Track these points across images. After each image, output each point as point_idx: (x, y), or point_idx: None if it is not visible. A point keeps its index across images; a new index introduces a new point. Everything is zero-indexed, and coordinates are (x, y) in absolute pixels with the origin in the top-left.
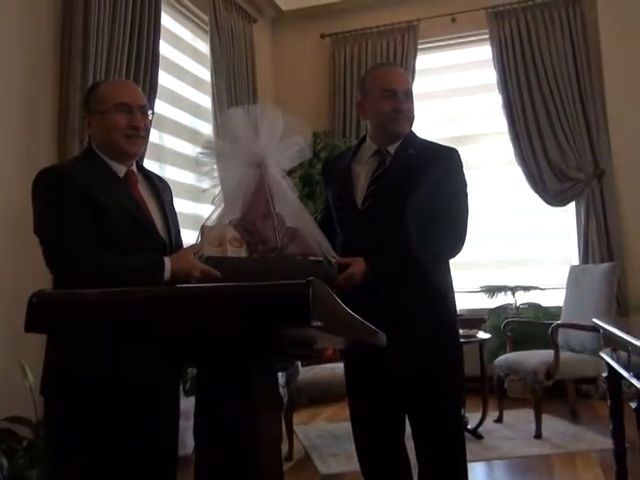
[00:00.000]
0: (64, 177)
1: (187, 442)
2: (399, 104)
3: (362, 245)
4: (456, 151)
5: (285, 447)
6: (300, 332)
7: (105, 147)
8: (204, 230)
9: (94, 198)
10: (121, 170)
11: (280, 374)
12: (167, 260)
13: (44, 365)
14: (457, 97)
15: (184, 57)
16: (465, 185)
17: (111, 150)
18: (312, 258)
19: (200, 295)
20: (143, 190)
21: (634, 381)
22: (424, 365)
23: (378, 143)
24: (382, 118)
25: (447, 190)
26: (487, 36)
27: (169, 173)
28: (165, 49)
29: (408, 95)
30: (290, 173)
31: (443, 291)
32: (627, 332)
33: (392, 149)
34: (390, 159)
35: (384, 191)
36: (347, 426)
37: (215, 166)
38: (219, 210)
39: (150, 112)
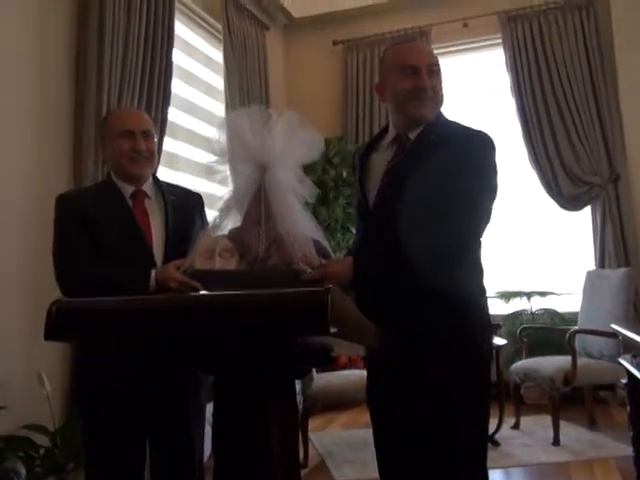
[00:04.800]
0: (64, 200)
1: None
2: (421, 82)
3: (368, 246)
4: (484, 134)
5: (300, 454)
6: (317, 340)
7: (115, 170)
8: (198, 241)
9: (88, 216)
10: (128, 190)
11: (296, 381)
12: (153, 272)
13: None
14: (470, 102)
15: (197, 65)
16: (484, 173)
17: (120, 172)
18: (295, 268)
19: (216, 303)
20: (150, 206)
21: None
22: (428, 374)
23: (399, 128)
24: (401, 98)
25: (459, 172)
26: (500, 40)
27: (183, 181)
28: (178, 57)
29: (433, 71)
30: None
31: (460, 297)
32: None
33: (413, 135)
34: (409, 146)
35: (396, 185)
36: (362, 433)
37: (228, 173)
38: (225, 217)
39: (156, 135)
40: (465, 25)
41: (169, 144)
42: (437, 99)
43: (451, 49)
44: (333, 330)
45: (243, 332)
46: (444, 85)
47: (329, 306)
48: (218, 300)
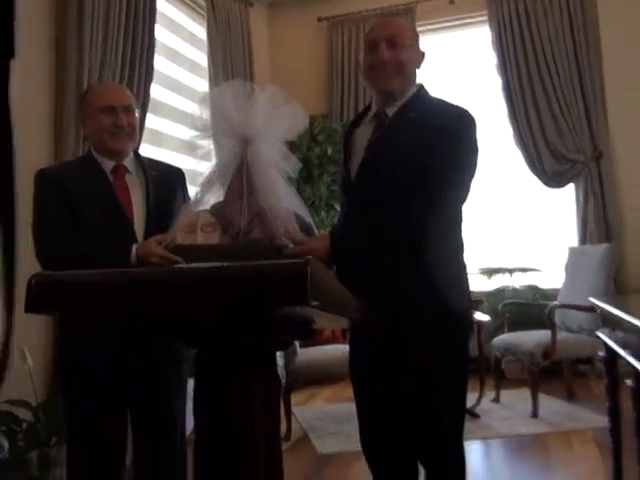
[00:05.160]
0: (43, 175)
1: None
2: (378, 56)
3: (349, 223)
4: (464, 111)
5: (283, 427)
6: (298, 311)
7: (96, 146)
8: (179, 216)
9: (69, 192)
10: (109, 165)
11: (278, 354)
12: (134, 247)
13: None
14: (456, 79)
15: (180, 41)
16: (462, 149)
17: (100, 148)
18: (277, 242)
19: (194, 275)
20: (131, 181)
21: (631, 359)
22: (415, 355)
23: (377, 104)
24: (365, 73)
25: (437, 149)
26: (486, 18)
27: (166, 157)
28: (161, 33)
29: (394, 43)
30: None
31: (441, 273)
32: (624, 311)
33: (391, 111)
34: (387, 123)
35: (374, 162)
36: (345, 407)
37: (211, 148)
38: (207, 192)
39: (137, 110)
40: (451, 2)
41: (152, 121)
42: (401, 71)
43: (437, 26)
44: (314, 302)
45: (222, 304)
46: (435, 65)
47: (308, 277)
48: (196, 272)
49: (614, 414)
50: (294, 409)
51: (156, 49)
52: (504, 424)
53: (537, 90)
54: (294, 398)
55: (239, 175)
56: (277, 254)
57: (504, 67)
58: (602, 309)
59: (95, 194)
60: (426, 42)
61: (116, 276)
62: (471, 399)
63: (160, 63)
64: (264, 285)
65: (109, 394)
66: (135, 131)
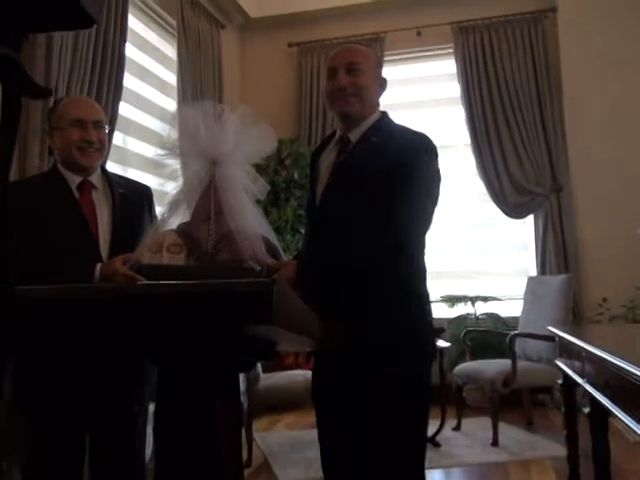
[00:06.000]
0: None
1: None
2: (338, 82)
3: (312, 248)
4: (424, 136)
5: (244, 454)
6: (262, 332)
7: (63, 160)
8: (145, 235)
9: (32, 208)
10: (75, 181)
11: (241, 379)
12: (98, 266)
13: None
14: (422, 109)
15: (150, 60)
16: (423, 176)
17: (68, 163)
18: (245, 266)
19: (159, 292)
20: (98, 198)
21: (588, 387)
22: (377, 382)
23: (340, 129)
24: (327, 99)
25: (400, 175)
26: (452, 50)
27: (132, 176)
28: (131, 51)
29: (353, 69)
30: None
31: (402, 301)
32: (582, 340)
33: (354, 137)
34: (350, 149)
35: (337, 186)
36: (306, 433)
37: (178, 167)
38: (174, 212)
39: (107, 126)
40: (419, 34)
41: (118, 138)
42: (360, 95)
43: (405, 56)
44: (278, 321)
45: (187, 320)
46: (401, 94)
47: (274, 294)
48: (161, 289)
49: (571, 441)
50: (255, 435)
51: (125, 67)
52: (465, 452)
53: (500, 123)
54: (256, 424)
55: (207, 196)
56: (243, 276)
57: (468, 99)
58: (561, 338)
59: (60, 210)
60: (394, 71)
61: (78, 291)
62: (432, 427)
63: (128, 81)
64: (229, 302)
65: (68, 417)
66: (104, 147)
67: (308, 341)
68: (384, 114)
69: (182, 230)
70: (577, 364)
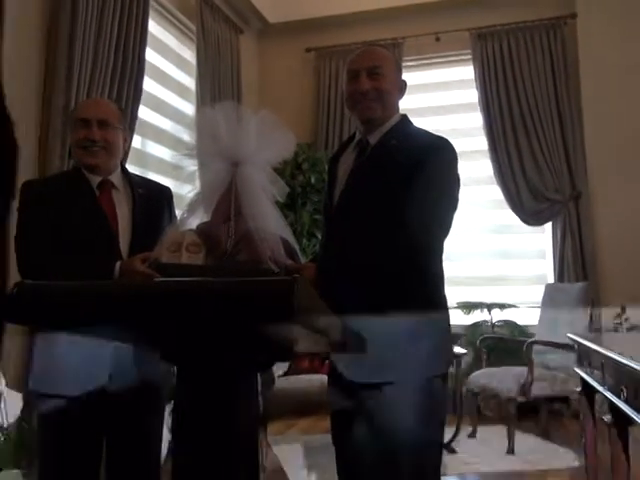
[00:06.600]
0: (29, 187)
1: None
2: (360, 85)
3: (329, 250)
4: (445, 140)
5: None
6: (282, 329)
7: (75, 160)
8: (165, 235)
9: (54, 205)
10: (95, 180)
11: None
12: (117, 265)
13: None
14: (440, 115)
15: (169, 64)
16: (444, 180)
17: (78, 162)
18: (264, 267)
19: (179, 289)
20: (118, 197)
21: (608, 394)
22: (393, 387)
23: (360, 132)
24: (348, 102)
25: (419, 179)
26: (470, 56)
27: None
28: (151, 55)
29: (375, 74)
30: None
31: (420, 308)
32: (602, 347)
33: (373, 139)
34: (369, 151)
35: (355, 190)
36: (321, 438)
37: (195, 169)
38: (193, 212)
39: (119, 127)
40: (437, 39)
41: (137, 142)
42: (382, 99)
43: (423, 62)
44: (299, 319)
45: (205, 318)
46: (419, 100)
47: (296, 291)
48: (180, 286)
49: (590, 450)
50: (270, 439)
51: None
52: (480, 460)
53: (518, 129)
54: (271, 428)
55: (227, 196)
56: (257, 275)
57: (486, 104)
58: (581, 345)
59: (80, 208)
60: (412, 77)
61: (99, 287)
62: (448, 433)
63: (148, 84)
64: (250, 299)
65: (84, 418)
66: (111, 146)
67: (326, 341)
68: (404, 117)
69: (201, 230)
70: (597, 372)
